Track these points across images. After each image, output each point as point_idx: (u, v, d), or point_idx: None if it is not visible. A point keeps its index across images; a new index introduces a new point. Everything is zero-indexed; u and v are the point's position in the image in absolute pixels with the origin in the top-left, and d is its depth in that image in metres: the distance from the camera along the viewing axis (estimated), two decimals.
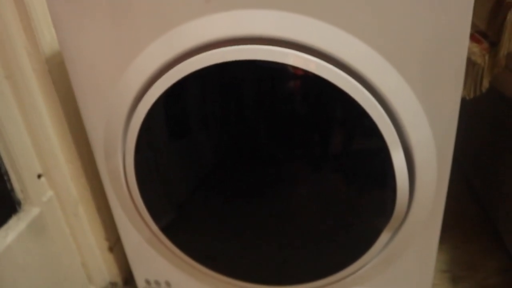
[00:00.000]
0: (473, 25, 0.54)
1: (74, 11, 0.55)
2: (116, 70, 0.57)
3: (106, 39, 0.56)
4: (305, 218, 0.64)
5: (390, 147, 0.52)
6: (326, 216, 0.62)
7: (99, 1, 0.53)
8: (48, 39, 0.65)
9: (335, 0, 0.47)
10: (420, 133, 0.52)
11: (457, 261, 0.88)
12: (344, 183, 0.58)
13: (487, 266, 0.86)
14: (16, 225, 0.67)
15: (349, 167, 0.56)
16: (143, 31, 0.54)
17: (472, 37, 0.59)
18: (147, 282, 0.80)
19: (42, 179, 0.72)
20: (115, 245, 0.85)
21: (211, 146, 0.61)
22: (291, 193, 0.62)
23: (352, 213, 0.60)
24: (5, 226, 0.66)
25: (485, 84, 0.58)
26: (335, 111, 0.53)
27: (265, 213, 0.65)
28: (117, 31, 0.55)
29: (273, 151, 0.59)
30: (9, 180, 0.67)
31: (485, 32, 0.58)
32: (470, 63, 0.58)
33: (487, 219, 0.98)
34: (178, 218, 0.68)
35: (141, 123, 0.59)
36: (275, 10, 0.49)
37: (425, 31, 0.47)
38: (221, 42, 0.52)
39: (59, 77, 0.68)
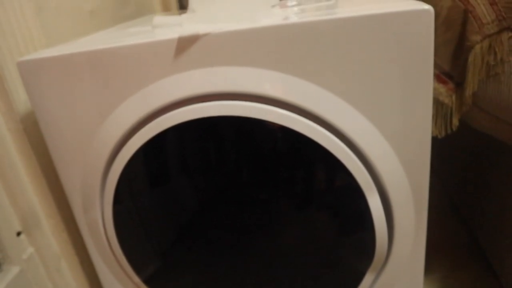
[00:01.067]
0: (438, 67, 0.56)
1: (45, 74, 0.55)
2: (91, 127, 0.58)
3: (79, 98, 0.56)
4: (290, 262, 0.63)
5: (365, 191, 0.52)
6: (310, 259, 0.62)
7: (70, 64, 0.54)
8: (23, 98, 0.66)
9: (295, 52, 0.48)
10: (394, 175, 0.53)
11: None
12: (324, 228, 0.58)
13: None
14: None
15: (327, 213, 0.57)
16: (117, 90, 0.55)
17: (438, 78, 0.60)
18: None
19: (22, 236, 0.71)
20: None
21: (190, 195, 0.61)
22: (273, 238, 0.62)
23: (334, 256, 0.60)
24: None
25: (455, 122, 0.59)
26: (311, 161, 0.54)
27: (249, 258, 0.64)
28: (90, 90, 0.55)
29: (252, 198, 0.59)
30: None
31: (449, 72, 0.59)
32: (439, 104, 0.59)
33: (476, 245, 0.98)
34: (160, 269, 0.67)
35: (118, 176, 0.59)
36: (247, 67, 0.50)
37: (390, 76, 0.48)
38: (193, 98, 0.53)
39: (35, 134, 0.68)
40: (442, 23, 0.59)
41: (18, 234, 0.71)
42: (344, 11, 0.49)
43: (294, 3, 0.71)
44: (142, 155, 0.57)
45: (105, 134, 0.57)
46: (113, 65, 0.53)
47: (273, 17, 0.52)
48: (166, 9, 1.30)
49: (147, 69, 0.53)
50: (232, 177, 0.58)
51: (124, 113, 0.56)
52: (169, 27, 0.62)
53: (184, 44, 0.50)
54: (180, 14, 0.62)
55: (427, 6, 0.46)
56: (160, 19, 0.65)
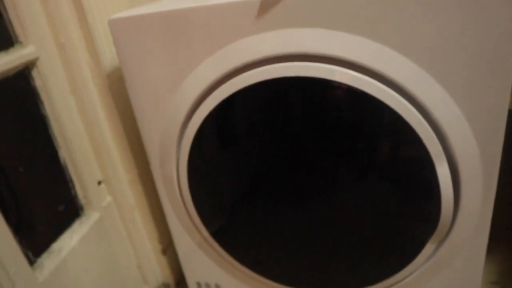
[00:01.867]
0: None
1: (133, 32, 0.60)
2: (172, 85, 0.62)
3: (163, 57, 0.60)
4: (350, 227, 0.65)
5: (434, 159, 0.53)
6: (371, 225, 0.63)
7: (156, 23, 0.58)
8: (109, 56, 0.71)
9: (376, 17, 0.49)
10: (465, 146, 0.53)
11: (507, 273, 0.86)
12: (389, 194, 0.59)
13: None
14: (80, 229, 0.73)
15: (393, 179, 0.57)
16: (197, 49, 0.58)
17: None
18: (198, 284, 0.84)
19: (102, 185, 0.78)
20: (168, 248, 0.90)
21: (260, 155, 0.64)
22: (337, 202, 0.64)
23: (396, 224, 0.61)
24: (70, 229, 0.72)
25: None
26: (380, 125, 0.55)
27: (312, 221, 0.67)
28: (173, 49, 0.59)
29: (320, 162, 0.61)
30: (73, 186, 0.73)
31: None
32: None
33: None
34: (227, 224, 0.71)
35: (195, 133, 0.63)
36: (322, 29, 0.52)
37: (469, 44, 0.48)
38: (271, 59, 0.55)
39: (118, 91, 0.73)
40: None
41: (99, 183, 0.77)
42: None
43: None
44: (217, 114, 0.60)
45: (185, 92, 0.61)
46: (193, 26, 0.56)
47: None
48: None
49: (228, 28, 0.55)
50: (301, 140, 0.60)
51: (203, 71, 0.59)
52: None
53: (266, 5, 0.52)
54: None
55: None
56: None
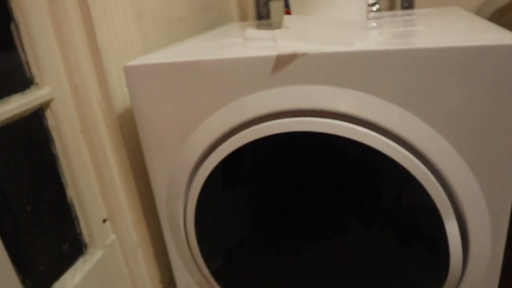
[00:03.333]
0: None
1: (147, 79, 0.61)
2: (182, 133, 0.63)
3: (174, 106, 0.61)
4: (358, 275, 0.65)
5: (443, 216, 0.53)
6: (379, 275, 0.63)
7: (169, 72, 0.59)
8: (120, 97, 0.72)
9: (386, 77, 0.50)
10: (474, 202, 0.54)
11: None
12: (399, 249, 0.60)
13: None
14: (83, 267, 0.72)
15: (403, 235, 0.58)
16: (207, 100, 0.59)
17: None
18: None
19: (107, 223, 0.78)
20: (169, 287, 0.89)
21: (265, 204, 0.65)
22: (344, 251, 0.64)
23: (405, 276, 0.61)
24: (73, 268, 0.72)
25: None
26: (390, 182, 0.56)
27: (315, 268, 0.67)
28: (185, 98, 0.60)
29: (327, 214, 0.61)
30: (78, 224, 0.73)
31: None
32: None
33: None
34: (228, 264, 0.71)
35: (204, 181, 0.63)
36: (339, 87, 0.53)
37: (481, 106, 0.49)
38: (278, 113, 0.56)
39: (128, 132, 0.74)
40: None
41: (104, 221, 0.77)
42: (437, 40, 0.50)
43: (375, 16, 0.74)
44: (225, 165, 0.61)
45: (198, 139, 0.62)
46: (211, 76, 0.58)
47: (367, 41, 0.55)
48: (243, 19, 1.35)
49: (243, 82, 0.57)
50: (308, 193, 0.61)
51: (214, 122, 0.60)
52: (261, 41, 0.66)
53: (282, 61, 0.54)
54: (269, 27, 0.66)
55: None
56: (253, 32, 0.69)
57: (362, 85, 0.52)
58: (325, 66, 0.52)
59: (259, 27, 0.90)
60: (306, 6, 0.67)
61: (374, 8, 0.98)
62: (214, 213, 0.68)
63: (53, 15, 0.64)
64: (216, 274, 0.73)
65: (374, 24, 0.74)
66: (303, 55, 0.52)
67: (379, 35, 0.60)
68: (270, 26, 0.89)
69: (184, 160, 0.64)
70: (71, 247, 0.72)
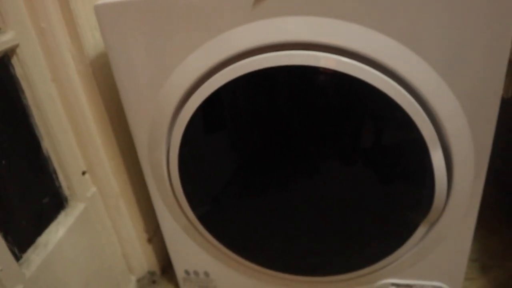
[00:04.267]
0: None
1: (121, 19, 0.57)
2: (161, 74, 0.60)
3: (152, 46, 0.58)
4: (342, 210, 0.66)
5: (429, 146, 0.53)
6: (364, 209, 0.64)
7: (145, 10, 0.55)
8: (92, 42, 0.68)
9: (367, 3, 0.49)
10: (459, 133, 0.54)
11: (486, 251, 0.90)
12: (384, 179, 0.60)
13: None
14: (65, 220, 0.71)
15: (389, 164, 0.58)
16: (186, 39, 0.56)
17: None
18: (187, 272, 0.83)
19: (86, 175, 0.76)
20: (154, 237, 0.89)
21: (250, 143, 0.64)
22: (330, 187, 0.64)
23: (389, 208, 0.62)
24: (56, 221, 0.70)
25: None
26: (377, 112, 0.55)
27: (302, 205, 0.67)
28: (163, 37, 0.57)
29: (311, 148, 0.61)
30: (57, 178, 0.71)
31: None
32: (510, 62, 0.58)
33: None
34: (214, 208, 0.71)
35: (186, 123, 0.61)
36: (313, 16, 0.51)
37: (466, 31, 0.48)
38: (263, 48, 0.54)
39: (102, 78, 0.70)
40: None
41: (83, 173, 0.75)
42: None
43: None
44: (208, 104, 0.59)
45: (176, 81, 0.59)
46: (187, 12, 0.55)
47: None
48: None
49: (220, 17, 0.54)
50: (293, 127, 0.60)
51: (196, 60, 0.57)
52: None
53: None
54: None
55: None
56: None
57: (342, 14, 0.50)
58: None
59: None
60: None
61: None
62: (198, 157, 0.66)
63: None
64: (203, 218, 0.72)
65: None
66: None
67: None
68: None
69: (164, 103, 0.61)
70: (52, 201, 0.70)
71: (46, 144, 0.68)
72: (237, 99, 0.59)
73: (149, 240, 0.88)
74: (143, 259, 0.90)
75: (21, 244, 0.63)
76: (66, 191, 0.73)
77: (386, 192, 0.61)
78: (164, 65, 0.59)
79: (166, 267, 0.94)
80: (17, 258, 0.61)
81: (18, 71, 0.62)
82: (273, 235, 0.72)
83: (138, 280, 0.91)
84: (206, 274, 0.82)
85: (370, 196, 0.62)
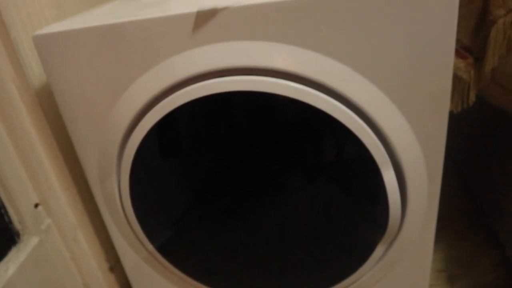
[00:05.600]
0: (458, 41, 0.55)
1: (62, 48, 0.55)
2: (108, 102, 0.58)
3: (96, 73, 0.56)
4: (301, 232, 0.65)
5: (380, 166, 0.53)
6: (323, 229, 0.63)
7: (88, 38, 0.54)
8: (37, 71, 0.66)
9: (311, 28, 0.48)
10: (410, 150, 0.54)
11: (453, 260, 0.90)
12: (339, 201, 0.59)
13: (482, 263, 0.88)
14: (16, 257, 0.68)
15: (343, 186, 0.58)
16: (132, 64, 0.55)
17: (457, 53, 0.60)
18: None
19: (39, 208, 0.73)
20: (116, 265, 0.86)
21: (204, 167, 0.62)
22: (285, 210, 0.63)
23: (347, 228, 0.62)
24: (6, 259, 0.67)
25: (472, 98, 0.59)
26: (327, 136, 0.54)
27: (261, 228, 0.66)
28: (107, 64, 0.55)
29: (265, 171, 0.60)
30: (6, 213, 0.68)
31: (469, 47, 0.59)
32: (456, 78, 0.59)
33: (480, 216, 1.00)
34: (172, 237, 0.69)
35: (136, 149, 0.59)
36: (261, 41, 0.50)
37: (408, 48, 0.48)
38: (208, 73, 0.53)
39: (49, 107, 0.68)
40: None
41: (36, 205, 0.72)
42: None
43: None
44: (158, 129, 0.57)
45: (123, 109, 0.57)
46: (127, 40, 0.53)
47: None
48: None
49: (162, 44, 0.53)
50: (246, 151, 0.59)
51: (140, 88, 0.56)
52: None
53: (203, 18, 0.50)
54: None
55: None
56: None
57: (288, 37, 0.49)
58: (250, 19, 0.49)
59: None
60: None
61: None
62: (150, 185, 0.65)
63: None
64: (162, 249, 0.70)
65: None
66: (224, 9, 0.49)
67: None
68: None
69: (111, 131, 0.60)
70: (1, 237, 0.67)
71: None
72: (185, 124, 0.58)
73: (111, 269, 0.86)
74: None
75: None
76: (17, 226, 0.70)
77: (342, 212, 0.60)
78: (109, 93, 0.57)
79: None
80: None
81: None
82: (235, 260, 0.71)
83: None
84: None
85: (327, 216, 0.61)
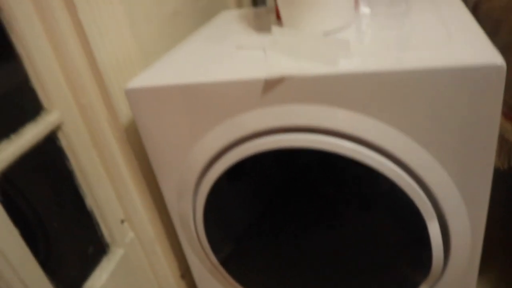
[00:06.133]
0: (506, 103, 0.59)
1: (149, 100, 0.65)
2: (185, 146, 0.68)
3: (177, 123, 0.66)
4: (351, 269, 0.72)
5: (425, 218, 0.58)
6: (370, 269, 0.69)
7: (171, 93, 0.63)
8: (124, 110, 0.76)
9: (369, 95, 0.54)
10: (453, 205, 0.58)
11: None
12: (388, 247, 0.65)
13: None
14: (108, 265, 0.80)
15: (392, 235, 0.64)
16: (207, 117, 0.64)
17: (505, 115, 0.62)
18: None
19: (125, 224, 0.85)
20: (186, 273, 0.98)
21: (267, 209, 0.71)
22: (339, 245, 0.70)
23: (393, 269, 0.67)
24: (99, 267, 0.79)
25: None
26: (381, 193, 0.61)
27: (315, 259, 0.73)
28: (186, 116, 0.65)
29: (320, 217, 0.67)
30: (99, 227, 0.80)
31: None
32: (504, 140, 0.62)
33: None
34: (235, 254, 0.78)
35: (210, 187, 0.69)
36: (325, 106, 0.57)
37: (458, 119, 0.53)
38: (274, 130, 0.60)
39: (135, 141, 0.79)
40: None
41: (122, 221, 0.84)
42: (416, 55, 0.53)
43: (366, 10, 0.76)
44: (227, 173, 0.66)
45: (199, 154, 0.67)
46: (205, 97, 0.62)
47: (351, 57, 0.58)
48: (239, 3, 1.35)
49: (234, 102, 0.61)
50: (306, 200, 0.66)
51: (213, 138, 0.65)
52: (252, 50, 0.69)
53: (271, 83, 0.57)
54: (265, 18, 0.68)
55: (499, 61, 0.49)
56: (245, 41, 0.72)
57: (347, 103, 0.56)
58: (311, 86, 0.56)
59: (255, 17, 0.92)
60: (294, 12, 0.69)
61: None
62: (221, 213, 0.74)
63: (53, 44, 0.67)
64: (224, 264, 0.80)
65: (362, 21, 0.75)
66: (290, 77, 0.56)
67: (362, 46, 0.62)
68: (266, 16, 0.91)
69: (188, 171, 0.69)
70: (95, 249, 0.80)
71: (89, 201, 0.77)
72: (252, 172, 0.66)
73: (182, 276, 0.97)
74: None
75: None
76: (108, 239, 0.82)
77: (389, 255, 0.66)
78: (187, 139, 0.67)
79: None
80: None
81: (64, 143, 0.71)
82: (289, 278, 0.79)
83: None
84: None
85: (376, 257, 0.67)
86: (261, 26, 0.83)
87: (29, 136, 0.64)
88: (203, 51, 0.76)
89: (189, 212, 0.76)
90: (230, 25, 0.91)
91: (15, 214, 0.62)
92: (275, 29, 0.68)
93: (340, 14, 0.69)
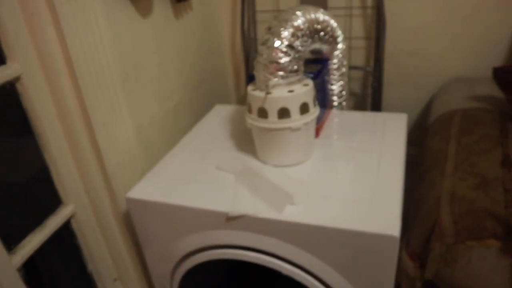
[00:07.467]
0: (411, 247, 0.79)
1: (143, 208, 0.86)
2: (167, 241, 0.89)
3: (163, 224, 0.87)
4: None
5: None
6: None
7: (158, 208, 0.84)
8: (124, 201, 0.97)
9: (297, 234, 0.75)
10: None
11: None
12: None
13: None
14: None
15: None
16: (184, 226, 0.85)
17: (411, 256, 0.79)
18: None
19: (117, 282, 1.06)
20: None
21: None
22: None
23: None
24: None
25: None
26: None
27: None
28: (171, 221, 0.86)
29: None
30: (95, 285, 1.02)
31: (419, 255, 0.78)
32: (405, 273, 0.80)
33: None
34: None
35: (182, 275, 0.90)
36: (268, 237, 0.78)
37: (358, 262, 0.74)
38: (231, 246, 0.82)
39: (130, 223, 1.00)
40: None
41: (115, 280, 1.06)
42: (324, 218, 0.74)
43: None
44: (195, 268, 0.88)
45: (177, 249, 0.88)
46: (185, 214, 0.83)
47: (293, 206, 0.78)
48: (237, 77, 1.55)
49: (206, 221, 0.82)
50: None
51: (187, 242, 0.86)
52: (227, 172, 0.90)
53: (231, 217, 0.78)
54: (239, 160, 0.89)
55: (396, 232, 0.69)
56: (223, 164, 0.92)
57: (283, 236, 0.76)
58: (261, 223, 0.77)
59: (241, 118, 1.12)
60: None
61: None
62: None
63: (72, 149, 0.88)
64: None
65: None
66: (244, 216, 0.77)
67: (302, 197, 0.82)
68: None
69: (168, 258, 0.92)
70: None
71: (90, 267, 0.99)
72: (213, 269, 0.87)
73: None
74: None
75: None
76: None
77: None
78: (170, 237, 0.88)
79: None
80: None
81: (80, 240, 0.93)
82: None
83: None
84: None
85: None
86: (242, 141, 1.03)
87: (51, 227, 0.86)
88: (190, 166, 0.96)
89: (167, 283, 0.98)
90: (219, 130, 1.12)
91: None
92: (243, 169, 0.89)
93: (299, 154, 0.89)
